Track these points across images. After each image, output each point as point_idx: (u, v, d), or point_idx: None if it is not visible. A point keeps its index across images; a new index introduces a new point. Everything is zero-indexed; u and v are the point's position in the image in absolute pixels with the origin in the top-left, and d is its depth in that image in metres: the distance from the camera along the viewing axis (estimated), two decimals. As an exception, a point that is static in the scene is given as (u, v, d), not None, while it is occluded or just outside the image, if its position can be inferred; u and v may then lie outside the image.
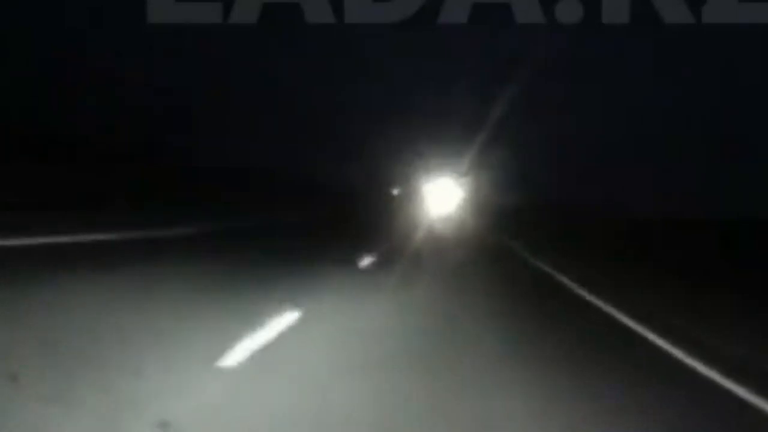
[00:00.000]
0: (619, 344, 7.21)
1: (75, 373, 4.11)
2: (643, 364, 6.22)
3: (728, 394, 5.17)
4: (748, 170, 43.06)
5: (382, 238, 19.88)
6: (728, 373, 5.63)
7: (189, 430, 3.50)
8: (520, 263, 18.04)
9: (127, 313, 5.97)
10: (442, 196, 44.16)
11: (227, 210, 24.61)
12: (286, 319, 6.58)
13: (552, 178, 48.04)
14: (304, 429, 3.71)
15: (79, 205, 16.40)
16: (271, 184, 40.29)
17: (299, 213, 30.81)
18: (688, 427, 4.31)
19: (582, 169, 50.31)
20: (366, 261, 13.39)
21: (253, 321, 6.16)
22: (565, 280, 12.92)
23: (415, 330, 6.87)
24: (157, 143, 35.62)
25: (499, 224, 35.51)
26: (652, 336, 7.36)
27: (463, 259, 16.98)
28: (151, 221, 15.70)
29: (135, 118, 36.44)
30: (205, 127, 44.64)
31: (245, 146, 48.41)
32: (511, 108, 37.78)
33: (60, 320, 5.39)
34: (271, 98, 55.07)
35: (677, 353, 6.47)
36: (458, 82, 41.28)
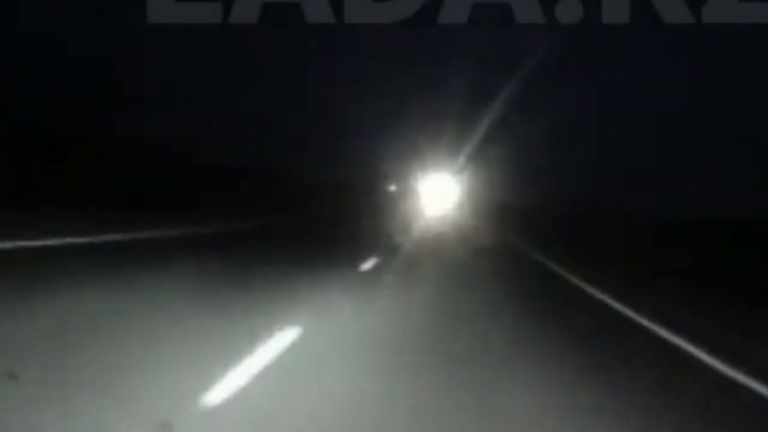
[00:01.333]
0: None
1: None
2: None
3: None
4: (748, 170, 43.07)
5: (377, 245, 16.98)
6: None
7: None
8: (524, 265, 17.13)
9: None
10: (439, 194, 44.05)
11: (225, 210, 24.51)
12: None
13: (550, 176, 47.98)
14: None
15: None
16: (268, 183, 40.20)
17: (296, 213, 30.42)
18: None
19: (580, 168, 50.29)
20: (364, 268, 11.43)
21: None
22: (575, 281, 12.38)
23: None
24: (155, 143, 35.59)
25: (497, 222, 35.34)
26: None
27: (463, 259, 16.11)
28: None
29: (134, 117, 36.42)
30: (202, 126, 44.61)
31: (243, 146, 48.36)
32: (510, 107, 37.77)
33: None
34: (267, 97, 55.06)
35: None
36: (457, 80, 41.23)
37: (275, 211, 28.90)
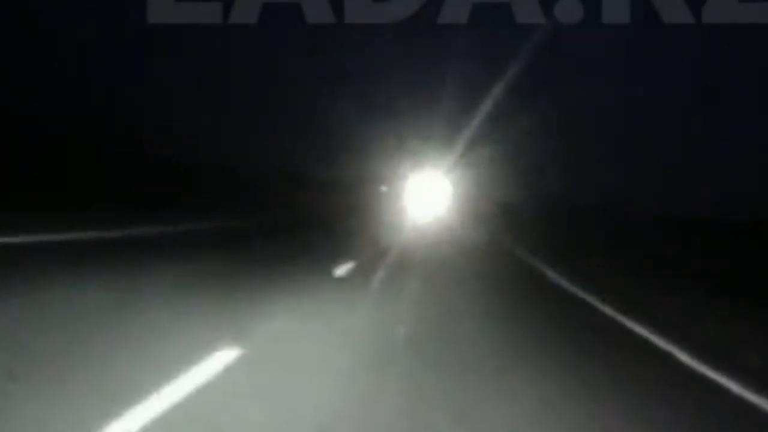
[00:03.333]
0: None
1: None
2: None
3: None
4: (748, 171, 43.10)
5: (358, 247, 15.27)
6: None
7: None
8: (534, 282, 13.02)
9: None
10: (430, 194, 43.72)
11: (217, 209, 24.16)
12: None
13: (550, 176, 47.97)
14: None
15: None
16: (266, 182, 40.11)
17: (276, 213, 29.63)
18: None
19: (579, 168, 50.29)
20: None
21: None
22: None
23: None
24: (154, 143, 35.62)
25: (498, 228, 34.97)
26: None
27: (453, 270, 13.55)
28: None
29: (133, 117, 36.44)
30: (200, 125, 44.62)
31: (238, 145, 48.31)
32: (509, 106, 37.74)
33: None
34: (264, 96, 55.07)
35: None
36: (457, 80, 41.21)
37: (255, 211, 27.84)
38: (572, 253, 18.99)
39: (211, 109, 45.86)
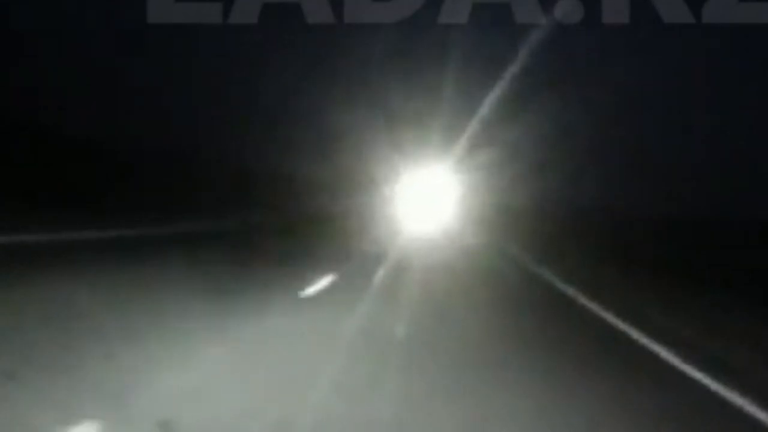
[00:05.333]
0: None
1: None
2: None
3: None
4: (748, 171, 43.12)
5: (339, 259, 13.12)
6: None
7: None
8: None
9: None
10: (430, 196, 43.34)
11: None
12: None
13: (550, 177, 47.93)
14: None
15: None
16: (264, 182, 40.05)
17: (267, 214, 28.88)
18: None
19: (580, 168, 50.27)
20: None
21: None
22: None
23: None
24: (155, 144, 35.67)
25: (499, 229, 34.55)
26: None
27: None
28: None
29: (134, 118, 36.49)
30: (199, 126, 44.66)
31: (235, 147, 48.34)
32: (510, 107, 37.66)
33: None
34: (264, 96, 55.07)
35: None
36: (457, 80, 41.15)
37: (232, 211, 26.34)
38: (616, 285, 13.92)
39: (209, 108, 45.91)
